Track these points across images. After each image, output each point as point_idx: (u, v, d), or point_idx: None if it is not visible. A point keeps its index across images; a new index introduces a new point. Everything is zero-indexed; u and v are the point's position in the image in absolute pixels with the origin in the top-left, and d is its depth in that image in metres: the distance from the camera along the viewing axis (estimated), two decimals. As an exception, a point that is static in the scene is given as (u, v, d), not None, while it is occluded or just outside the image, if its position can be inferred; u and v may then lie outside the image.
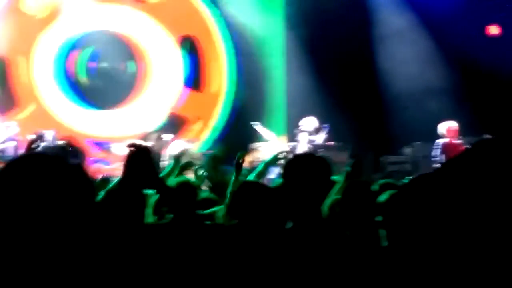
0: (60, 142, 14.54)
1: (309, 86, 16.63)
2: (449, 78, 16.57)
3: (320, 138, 14.90)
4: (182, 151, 7.94)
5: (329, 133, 14.96)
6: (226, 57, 17.44)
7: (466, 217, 3.01)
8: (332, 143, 14.86)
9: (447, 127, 13.96)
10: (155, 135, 14.92)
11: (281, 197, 4.21)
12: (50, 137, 14.06)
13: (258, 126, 15.74)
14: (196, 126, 17.11)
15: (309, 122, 15.00)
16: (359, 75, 17.04)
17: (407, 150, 15.84)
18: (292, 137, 15.59)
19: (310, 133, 14.90)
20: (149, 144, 14.34)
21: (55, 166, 2.49)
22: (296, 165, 3.96)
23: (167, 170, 7.17)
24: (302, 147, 14.71)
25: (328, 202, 4.56)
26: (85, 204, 2.52)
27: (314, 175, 3.84)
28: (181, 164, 7.34)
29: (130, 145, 3.83)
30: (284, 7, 17.88)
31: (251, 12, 17.39)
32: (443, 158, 13.67)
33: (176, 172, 7.01)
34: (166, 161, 14.54)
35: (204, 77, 17.38)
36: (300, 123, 15.02)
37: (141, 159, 4.07)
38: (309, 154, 4.91)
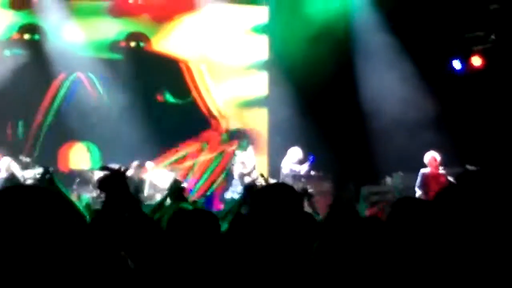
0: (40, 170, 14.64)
1: (291, 116, 16.65)
2: (432, 109, 16.63)
3: (303, 168, 14.99)
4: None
5: (312, 164, 15.04)
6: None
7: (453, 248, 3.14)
8: (313, 173, 14.92)
9: (429, 158, 14.06)
10: (135, 163, 14.89)
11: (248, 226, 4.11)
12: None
13: (239, 155, 15.87)
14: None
15: (294, 152, 15.10)
16: (342, 105, 17.10)
17: (389, 180, 15.91)
18: (274, 167, 15.67)
19: (294, 163, 15.00)
20: (129, 172, 14.42)
21: (39, 197, 2.56)
22: (263, 195, 3.89)
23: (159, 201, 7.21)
24: (285, 176, 14.80)
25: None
26: (74, 229, 2.59)
27: (282, 205, 3.75)
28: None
29: (104, 168, 3.90)
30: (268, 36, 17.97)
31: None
32: (423, 188, 13.77)
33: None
34: (147, 189, 14.66)
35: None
36: (288, 152, 15.13)
37: (115, 182, 4.14)
38: (278, 184, 4.81)
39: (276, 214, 3.70)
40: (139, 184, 14.52)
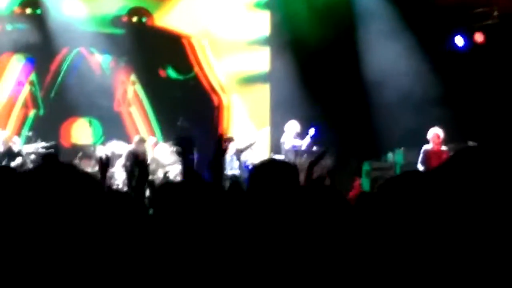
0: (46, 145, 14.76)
1: (293, 91, 16.71)
2: (435, 85, 16.67)
3: (305, 142, 15.03)
4: None
5: (314, 137, 15.06)
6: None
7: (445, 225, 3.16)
8: (315, 148, 14.96)
9: (432, 134, 14.13)
10: (136, 138, 14.99)
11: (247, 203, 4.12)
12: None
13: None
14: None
15: (292, 126, 15.12)
16: (344, 81, 17.13)
17: (391, 156, 15.99)
18: (276, 142, 15.73)
19: (294, 138, 15.03)
20: (130, 146, 14.54)
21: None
22: (260, 172, 3.96)
23: None
24: (286, 152, 14.85)
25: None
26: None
27: (279, 181, 3.83)
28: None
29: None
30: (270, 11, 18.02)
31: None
32: (425, 165, 13.84)
33: None
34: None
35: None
36: (285, 127, 15.18)
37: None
38: (274, 160, 4.78)
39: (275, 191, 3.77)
40: (143, 158, 14.57)
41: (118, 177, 13.97)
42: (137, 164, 6.16)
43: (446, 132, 14.30)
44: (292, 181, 3.89)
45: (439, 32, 17.03)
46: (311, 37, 16.78)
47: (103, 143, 15.71)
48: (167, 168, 14.59)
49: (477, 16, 16.91)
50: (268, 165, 4.16)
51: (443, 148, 14.07)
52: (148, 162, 14.50)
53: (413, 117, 15.85)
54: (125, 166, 14.02)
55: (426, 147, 14.13)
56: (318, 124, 15.49)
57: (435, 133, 14.15)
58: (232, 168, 14.66)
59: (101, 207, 2.89)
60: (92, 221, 2.79)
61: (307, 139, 15.07)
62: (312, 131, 15.08)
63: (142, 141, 15.02)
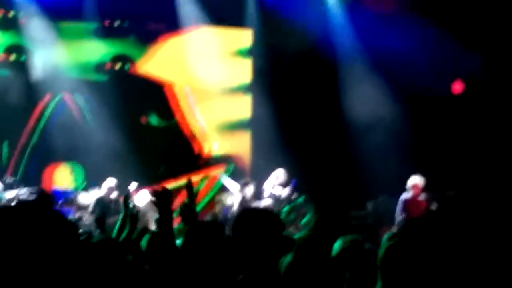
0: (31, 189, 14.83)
1: (274, 139, 16.91)
2: (415, 134, 16.91)
3: (285, 192, 15.07)
4: None
5: (294, 188, 15.16)
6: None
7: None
8: (294, 196, 15.04)
9: (412, 182, 14.32)
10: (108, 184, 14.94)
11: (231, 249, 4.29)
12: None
13: (224, 178, 16.15)
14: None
15: (278, 175, 15.16)
16: (325, 128, 17.37)
17: (369, 205, 16.14)
18: (257, 190, 15.84)
19: (278, 186, 15.08)
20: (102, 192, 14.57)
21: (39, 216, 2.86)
22: (245, 220, 4.13)
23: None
24: (265, 200, 14.94)
25: (286, 259, 4.60)
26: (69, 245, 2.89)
27: (263, 230, 4.00)
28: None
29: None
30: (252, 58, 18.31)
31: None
32: (404, 214, 13.99)
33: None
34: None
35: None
36: (271, 174, 15.24)
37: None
38: (258, 209, 4.98)
39: (258, 240, 3.97)
40: (109, 205, 14.54)
41: (86, 221, 14.12)
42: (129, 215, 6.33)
43: (426, 181, 14.45)
44: (274, 229, 4.05)
45: (421, 81, 17.29)
46: (292, 85, 17.04)
47: (85, 189, 15.86)
48: (148, 215, 14.71)
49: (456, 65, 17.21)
50: (252, 213, 4.35)
51: (422, 197, 14.23)
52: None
53: (393, 165, 16.05)
54: (94, 211, 14.14)
55: (405, 196, 14.27)
56: (299, 171, 15.60)
57: (415, 182, 14.31)
58: None
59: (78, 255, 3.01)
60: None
61: (287, 189, 15.14)
62: (292, 182, 15.16)
63: (111, 188, 14.88)
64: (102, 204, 14.17)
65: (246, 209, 4.56)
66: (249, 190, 14.89)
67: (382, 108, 16.70)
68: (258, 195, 15.83)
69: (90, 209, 14.42)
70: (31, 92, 16.68)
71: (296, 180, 15.07)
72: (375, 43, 16.73)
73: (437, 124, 17.11)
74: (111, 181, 14.89)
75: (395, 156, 16.34)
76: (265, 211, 4.49)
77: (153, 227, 13.95)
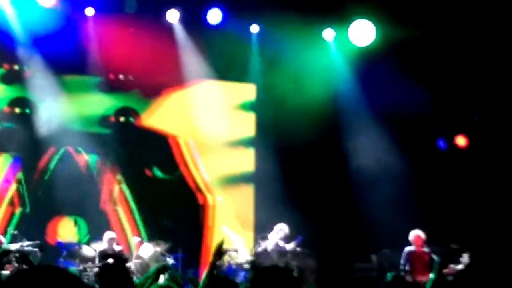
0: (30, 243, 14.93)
1: (277, 191, 17.02)
2: (417, 188, 17.02)
3: (289, 246, 15.16)
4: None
5: (299, 243, 15.22)
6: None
7: None
8: (299, 249, 15.12)
9: (414, 236, 14.45)
10: (109, 236, 15.11)
11: None
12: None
13: (226, 230, 16.30)
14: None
15: (281, 228, 15.29)
16: (329, 182, 17.47)
17: (374, 257, 16.21)
18: (258, 241, 15.92)
19: (281, 239, 15.19)
20: (102, 245, 14.66)
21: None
22: (263, 277, 4.17)
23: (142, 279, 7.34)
24: (270, 251, 15.02)
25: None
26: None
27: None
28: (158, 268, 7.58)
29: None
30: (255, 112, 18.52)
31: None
32: (408, 266, 14.11)
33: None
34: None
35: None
36: (274, 228, 15.34)
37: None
38: (276, 266, 5.03)
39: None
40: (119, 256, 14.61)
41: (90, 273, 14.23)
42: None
43: (428, 234, 14.59)
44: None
45: (423, 135, 17.47)
46: (296, 138, 17.18)
47: (88, 242, 15.93)
48: (151, 266, 14.80)
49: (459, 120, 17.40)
50: (271, 270, 4.39)
51: (425, 249, 14.36)
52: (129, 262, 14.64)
53: (397, 219, 16.14)
54: (96, 265, 14.23)
55: (408, 248, 14.46)
56: (303, 224, 15.68)
57: (416, 234, 14.55)
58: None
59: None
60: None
61: (292, 243, 15.22)
62: (297, 238, 15.24)
63: (112, 239, 15.07)
64: (103, 257, 14.23)
65: (262, 267, 4.60)
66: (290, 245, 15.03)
67: (386, 161, 16.83)
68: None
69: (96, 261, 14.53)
70: (35, 144, 16.78)
71: (301, 237, 15.17)
72: (380, 95, 16.90)
73: (441, 177, 17.22)
74: (110, 234, 15.11)
75: (399, 209, 16.43)
76: (282, 267, 4.54)
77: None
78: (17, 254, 14.51)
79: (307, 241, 15.46)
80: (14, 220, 16.77)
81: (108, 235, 15.05)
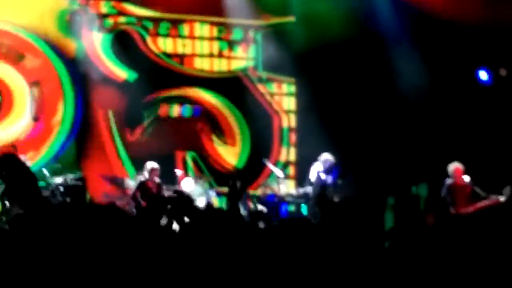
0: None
1: (318, 124, 17.27)
2: (459, 118, 17.13)
3: (330, 178, 15.21)
4: None
5: (338, 174, 15.29)
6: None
7: None
8: (340, 181, 15.18)
9: (452, 168, 14.55)
10: (149, 167, 14.92)
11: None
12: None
13: (268, 163, 16.59)
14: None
15: (325, 159, 15.27)
16: (371, 113, 17.71)
17: (414, 189, 16.34)
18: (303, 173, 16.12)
19: (323, 170, 15.20)
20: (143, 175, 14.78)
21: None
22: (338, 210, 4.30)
23: None
24: (312, 183, 15.17)
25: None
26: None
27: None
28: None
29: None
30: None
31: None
32: (449, 199, 14.22)
33: None
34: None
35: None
36: (318, 158, 15.36)
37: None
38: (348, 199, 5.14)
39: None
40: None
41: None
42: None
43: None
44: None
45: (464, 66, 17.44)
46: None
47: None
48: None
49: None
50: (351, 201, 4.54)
51: (466, 181, 14.46)
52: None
53: (437, 151, 16.27)
54: (134, 196, 14.44)
55: (448, 181, 14.51)
56: (342, 156, 15.73)
57: (455, 167, 14.54)
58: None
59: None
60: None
61: (330, 176, 15.24)
62: (336, 170, 15.27)
63: (154, 170, 14.87)
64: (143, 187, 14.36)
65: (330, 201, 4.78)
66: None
67: (427, 93, 16.88)
68: (302, 180, 16.17)
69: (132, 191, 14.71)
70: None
71: (338, 168, 15.22)
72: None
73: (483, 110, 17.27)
74: (152, 164, 14.86)
75: (438, 142, 16.60)
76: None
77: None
78: (61, 188, 14.91)
79: (349, 173, 15.49)
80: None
81: (150, 164, 14.85)
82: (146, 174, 14.68)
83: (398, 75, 17.05)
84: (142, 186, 14.43)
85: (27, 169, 10.81)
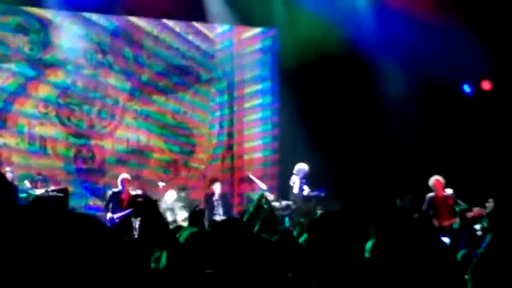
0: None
1: (299, 134, 17.26)
2: (441, 132, 17.12)
3: (313, 193, 15.21)
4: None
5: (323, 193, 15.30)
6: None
7: None
8: (323, 194, 15.17)
9: (433, 180, 14.53)
10: (120, 178, 14.98)
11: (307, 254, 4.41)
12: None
13: (251, 176, 16.56)
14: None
15: (300, 168, 15.28)
16: (351, 127, 17.61)
17: (398, 202, 16.32)
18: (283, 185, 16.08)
19: (301, 179, 15.19)
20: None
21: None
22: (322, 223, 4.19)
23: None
24: (295, 196, 15.13)
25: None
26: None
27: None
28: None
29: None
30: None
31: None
32: (431, 211, 14.19)
33: None
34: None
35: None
36: (294, 169, 15.36)
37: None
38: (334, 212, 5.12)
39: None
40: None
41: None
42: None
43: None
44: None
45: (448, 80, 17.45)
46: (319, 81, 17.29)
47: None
48: (176, 212, 15.08)
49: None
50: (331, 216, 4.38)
51: (448, 193, 14.43)
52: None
53: (421, 163, 16.25)
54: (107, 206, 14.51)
55: (430, 194, 14.47)
56: (325, 168, 15.70)
57: (436, 179, 14.50)
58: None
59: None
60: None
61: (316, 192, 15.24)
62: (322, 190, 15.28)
63: (125, 180, 14.85)
64: (116, 199, 14.30)
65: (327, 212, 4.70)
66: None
67: (411, 106, 16.87)
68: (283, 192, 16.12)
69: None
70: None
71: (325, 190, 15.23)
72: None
73: (465, 122, 17.29)
74: (124, 175, 14.94)
75: (423, 154, 16.57)
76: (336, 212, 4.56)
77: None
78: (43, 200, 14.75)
79: (331, 186, 15.48)
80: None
81: (121, 176, 14.94)
82: (119, 186, 14.68)
83: (382, 87, 17.07)
84: (114, 197, 14.44)
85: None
